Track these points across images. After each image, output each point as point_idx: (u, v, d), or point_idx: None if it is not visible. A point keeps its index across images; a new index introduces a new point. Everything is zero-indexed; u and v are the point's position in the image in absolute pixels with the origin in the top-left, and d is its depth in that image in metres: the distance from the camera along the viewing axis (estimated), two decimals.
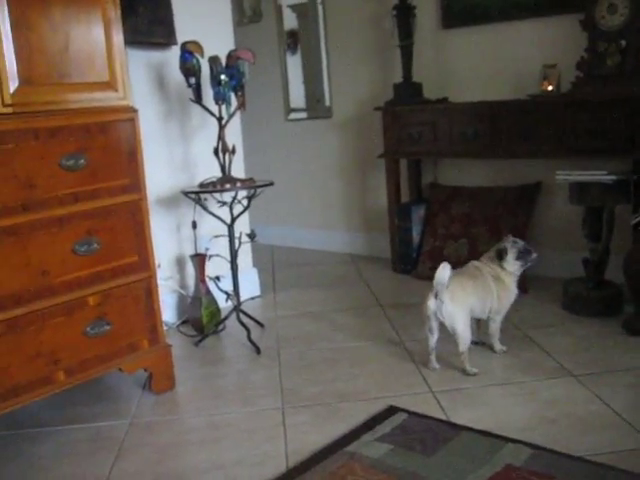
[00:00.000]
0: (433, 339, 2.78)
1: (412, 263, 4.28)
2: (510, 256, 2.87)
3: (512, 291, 2.91)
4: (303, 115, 5.27)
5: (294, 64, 5.26)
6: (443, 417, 2.35)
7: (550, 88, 3.74)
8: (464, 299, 2.78)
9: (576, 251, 3.60)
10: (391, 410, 2.39)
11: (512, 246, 2.88)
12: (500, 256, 2.88)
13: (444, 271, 2.74)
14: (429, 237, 4.20)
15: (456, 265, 4.01)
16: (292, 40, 5.23)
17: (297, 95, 5.28)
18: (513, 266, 2.87)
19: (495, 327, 2.91)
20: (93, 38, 2.44)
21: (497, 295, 2.86)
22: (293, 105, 5.32)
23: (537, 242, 3.97)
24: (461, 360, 2.73)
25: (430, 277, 4.04)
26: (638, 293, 2.98)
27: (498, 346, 2.91)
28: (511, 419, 2.31)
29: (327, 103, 5.05)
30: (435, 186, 4.38)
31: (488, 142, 3.86)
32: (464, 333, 2.73)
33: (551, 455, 2.03)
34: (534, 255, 2.89)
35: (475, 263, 2.96)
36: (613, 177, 3.24)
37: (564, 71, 3.71)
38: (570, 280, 3.49)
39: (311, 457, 2.12)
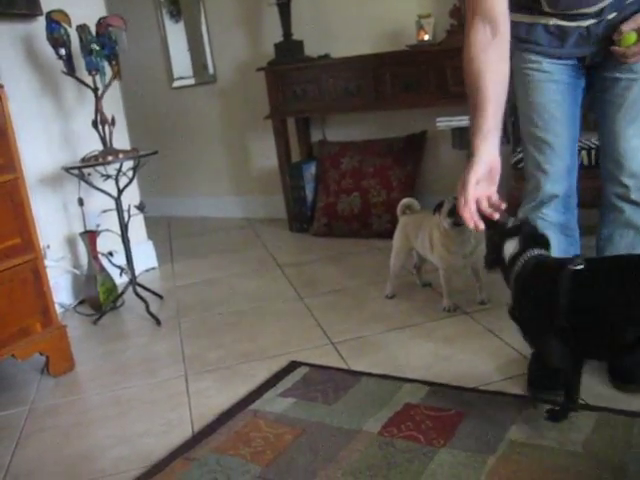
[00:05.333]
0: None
1: (308, 221, 4.32)
2: (443, 209, 2.69)
3: (438, 252, 2.77)
4: (190, 82, 5.15)
5: (179, 31, 5.12)
6: (344, 366, 2.40)
7: (426, 38, 3.81)
8: (399, 230, 3.01)
9: None
10: (293, 365, 2.42)
11: (449, 201, 2.66)
12: (435, 209, 2.75)
13: (403, 200, 3.08)
14: (322, 194, 4.24)
15: (350, 219, 4.11)
16: (175, 7, 5.09)
17: (184, 62, 5.16)
18: (444, 221, 2.68)
19: (440, 278, 2.83)
20: None
21: (429, 240, 2.80)
22: (179, 73, 5.19)
23: (427, 189, 4.09)
24: None
25: (326, 233, 4.16)
26: None
27: (444, 301, 2.82)
28: (409, 360, 2.39)
29: (210, 68, 4.97)
30: (324, 143, 4.41)
31: (371, 95, 3.91)
32: (391, 258, 3.02)
33: (447, 390, 2.11)
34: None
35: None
36: None
37: (439, 20, 3.78)
38: None
39: (216, 420, 2.13)
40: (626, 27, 1.74)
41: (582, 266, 1.65)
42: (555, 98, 1.97)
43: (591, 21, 1.83)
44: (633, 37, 1.74)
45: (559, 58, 1.95)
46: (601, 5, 1.80)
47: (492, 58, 1.73)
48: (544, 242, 1.83)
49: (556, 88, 1.97)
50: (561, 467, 1.65)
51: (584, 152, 2.82)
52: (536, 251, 1.77)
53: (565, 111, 1.99)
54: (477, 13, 1.74)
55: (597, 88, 1.99)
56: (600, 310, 1.63)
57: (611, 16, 1.82)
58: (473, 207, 1.69)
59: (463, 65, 1.79)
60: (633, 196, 1.97)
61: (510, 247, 1.80)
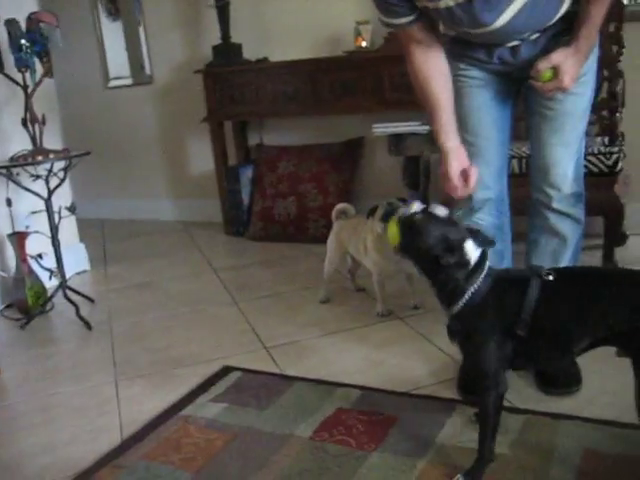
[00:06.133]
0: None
1: (244, 225, 4.30)
2: (377, 214, 2.68)
3: (371, 257, 2.77)
4: (127, 82, 5.07)
5: (116, 30, 5.03)
6: (277, 371, 2.39)
7: (364, 44, 3.84)
8: (333, 235, 3.02)
9: None
10: (225, 370, 2.40)
11: (382, 206, 2.67)
12: (369, 214, 2.74)
13: (338, 205, 3.10)
14: (258, 198, 4.22)
15: (286, 223, 4.11)
16: (113, 6, 5.00)
17: (121, 62, 5.07)
18: (378, 226, 2.66)
19: (374, 283, 2.84)
20: None
21: (363, 245, 2.81)
22: (116, 73, 5.10)
23: (363, 194, 4.12)
24: None
25: (262, 237, 4.15)
26: None
27: (378, 305, 2.84)
28: (342, 365, 2.39)
29: (147, 69, 4.90)
30: (261, 147, 4.40)
31: (309, 100, 3.92)
32: (325, 262, 3.03)
33: (379, 394, 2.13)
34: None
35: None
36: (426, 127, 3.39)
37: (377, 27, 3.80)
38: None
39: (145, 425, 2.09)
40: (541, 66, 1.80)
41: (552, 277, 1.58)
42: (484, 103, 2.01)
43: (515, 42, 1.88)
44: (548, 74, 1.81)
45: (487, 70, 2.00)
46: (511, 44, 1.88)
47: (433, 66, 1.91)
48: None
49: (485, 93, 2.01)
50: (488, 470, 1.67)
51: (515, 160, 2.88)
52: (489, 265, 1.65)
53: (494, 116, 2.03)
54: (410, 42, 1.91)
55: (527, 97, 2.03)
56: (562, 320, 1.58)
57: (534, 37, 1.86)
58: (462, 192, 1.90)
59: (412, 81, 1.95)
60: (555, 205, 2.03)
61: (472, 251, 1.61)
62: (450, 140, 1.89)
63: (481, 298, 1.60)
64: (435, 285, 1.66)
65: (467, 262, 1.60)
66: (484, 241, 1.66)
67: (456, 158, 1.88)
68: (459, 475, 1.66)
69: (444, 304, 1.67)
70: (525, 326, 1.57)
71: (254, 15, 4.32)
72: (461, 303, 1.62)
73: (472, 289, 1.60)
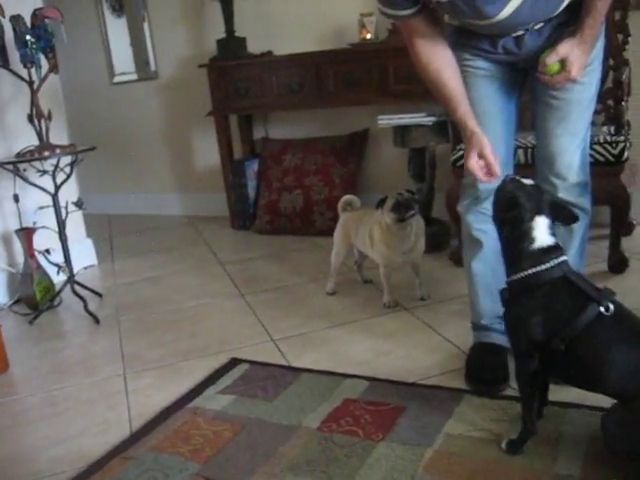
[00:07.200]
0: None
1: (250, 218, 4.31)
2: (387, 204, 2.71)
3: (378, 249, 2.79)
4: (133, 78, 5.08)
5: (121, 26, 5.04)
6: (284, 363, 2.40)
7: (368, 36, 3.83)
8: (340, 227, 3.02)
9: None
10: (233, 362, 2.41)
11: (392, 196, 2.71)
12: (378, 204, 2.76)
13: (344, 197, 3.11)
14: (264, 191, 4.23)
15: (292, 216, 4.12)
16: (118, 2, 5.01)
17: (125, 58, 5.08)
18: (388, 216, 2.70)
19: (381, 275, 2.86)
20: None
21: (369, 237, 2.82)
22: (121, 68, 5.12)
23: (368, 186, 4.12)
24: None
25: (268, 231, 4.15)
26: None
27: (384, 297, 2.85)
28: (349, 356, 2.40)
29: (152, 64, 4.91)
30: (267, 140, 4.40)
31: (314, 93, 3.92)
32: (332, 255, 3.04)
33: (386, 384, 2.13)
34: (411, 212, 2.67)
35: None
36: (432, 119, 3.39)
37: (381, 18, 3.79)
38: None
39: (154, 418, 2.10)
40: (549, 60, 1.80)
41: (609, 312, 1.54)
42: (490, 94, 2.01)
43: (519, 32, 1.88)
44: (556, 67, 1.82)
45: (492, 60, 1.99)
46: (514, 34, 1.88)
47: (441, 57, 1.91)
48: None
49: (491, 84, 2.01)
50: (495, 459, 1.68)
51: (520, 151, 2.88)
52: (565, 258, 1.65)
53: (500, 106, 2.03)
54: (413, 34, 1.91)
55: (532, 87, 2.03)
56: (598, 359, 1.56)
57: (538, 26, 1.86)
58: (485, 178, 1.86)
59: (420, 73, 1.94)
60: (560, 195, 2.02)
61: (542, 231, 1.63)
62: (475, 126, 1.87)
63: (534, 285, 1.62)
64: (502, 244, 1.72)
65: (531, 239, 1.62)
66: (564, 218, 1.71)
67: (479, 144, 1.84)
68: (505, 440, 1.72)
69: (506, 268, 1.70)
70: (562, 343, 1.57)
71: (258, 8, 4.31)
72: (516, 277, 1.66)
73: (530, 271, 1.62)
